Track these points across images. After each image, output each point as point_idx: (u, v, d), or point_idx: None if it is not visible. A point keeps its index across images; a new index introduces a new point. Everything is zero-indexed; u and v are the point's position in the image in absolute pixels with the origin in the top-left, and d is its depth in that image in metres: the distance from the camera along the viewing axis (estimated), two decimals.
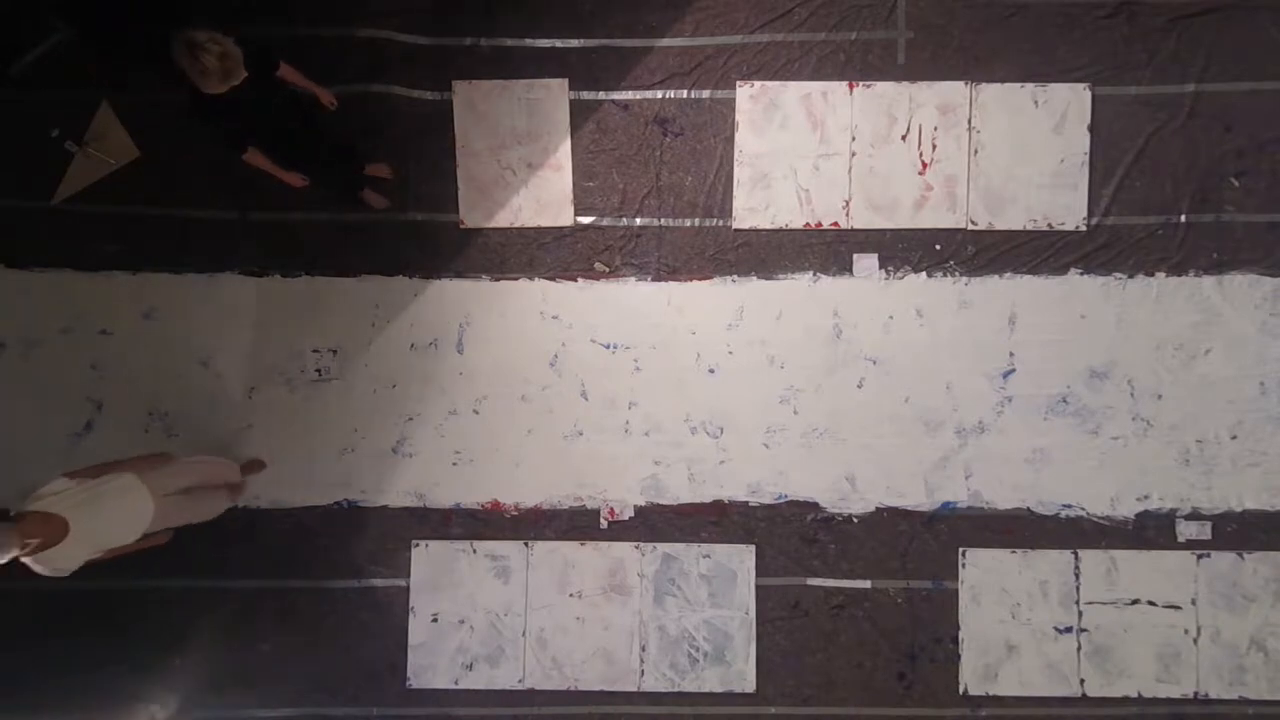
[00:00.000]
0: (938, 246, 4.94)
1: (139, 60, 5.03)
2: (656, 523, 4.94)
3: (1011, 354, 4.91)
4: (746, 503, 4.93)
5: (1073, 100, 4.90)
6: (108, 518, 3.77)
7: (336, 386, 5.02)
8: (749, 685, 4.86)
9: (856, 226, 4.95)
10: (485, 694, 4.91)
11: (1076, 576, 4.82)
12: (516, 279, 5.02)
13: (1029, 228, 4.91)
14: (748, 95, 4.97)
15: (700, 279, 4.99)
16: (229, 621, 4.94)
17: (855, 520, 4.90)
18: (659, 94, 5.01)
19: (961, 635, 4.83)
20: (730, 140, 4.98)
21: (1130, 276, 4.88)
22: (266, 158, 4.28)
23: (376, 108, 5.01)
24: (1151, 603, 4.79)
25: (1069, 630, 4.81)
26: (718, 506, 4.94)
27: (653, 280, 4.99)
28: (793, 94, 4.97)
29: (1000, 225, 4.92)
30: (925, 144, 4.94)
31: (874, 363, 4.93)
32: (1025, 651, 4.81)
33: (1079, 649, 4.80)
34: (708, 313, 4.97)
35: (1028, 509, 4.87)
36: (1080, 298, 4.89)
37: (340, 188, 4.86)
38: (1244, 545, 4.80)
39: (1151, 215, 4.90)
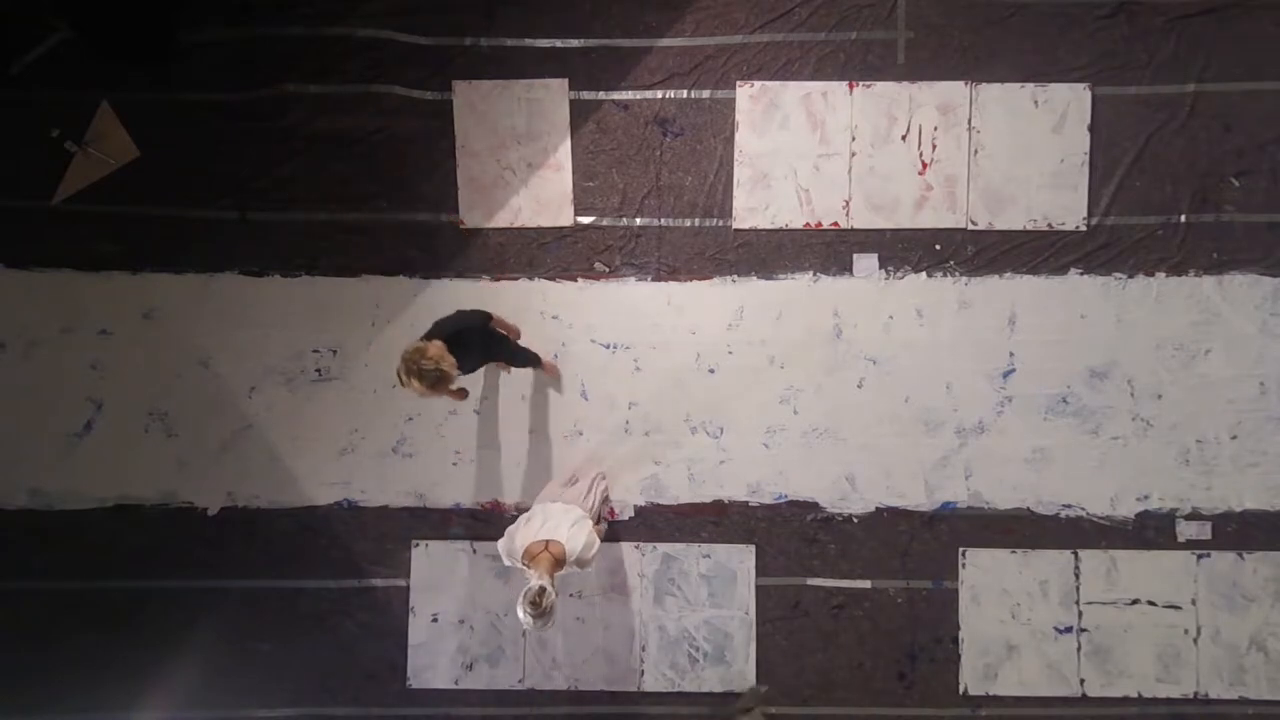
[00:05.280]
0: (938, 246, 4.94)
1: (139, 60, 5.03)
2: (656, 523, 4.94)
3: (1011, 354, 4.91)
4: (746, 503, 4.93)
5: (1073, 100, 4.90)
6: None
7: (336, 386, 5.01)
8: (749, 685, 4.85)
9: (856, 226, 4.95)
10: (485, 694, 4.91)
11: (1076, 576, 4.82)
12: (516, 279, 5.02)
13: (1029, 228, 4.91)
14: (748, 95, 4.97)
15: (700, 279, 4.99)
16: (229, 621, 4.94)
17: (855, 520, 4.90)
18: (659, 94, 5.01)
19: (961, 635, 4.83)
20: (730, 140, 4.98)
21: (1130, 276, 4.88)
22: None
23: (376, 108, 5.02)
24: (1151, 603, 4.79)
25: (1069, 630, 4.81)
26: (718, 506, 4.94)
27: (653, 280, 4.99)
28: (793, 94, 4.97)
29: (1000, 225, 4.92)
30: (925, 144, 4.94)
31: (874, 362, 4.93)
32: (1025, 651, 4.81)
33: (1079, 649, 4.80)
34: (708, 313, 4.97)
35: (1028, 509, 4.87)
36: (1080, 298, 4.89)
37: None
38: (1244, 545, 4.80)
39: (1151, 215, 4.89)
